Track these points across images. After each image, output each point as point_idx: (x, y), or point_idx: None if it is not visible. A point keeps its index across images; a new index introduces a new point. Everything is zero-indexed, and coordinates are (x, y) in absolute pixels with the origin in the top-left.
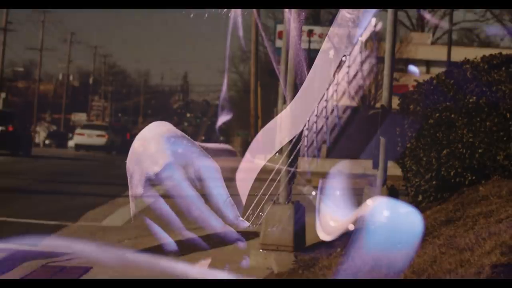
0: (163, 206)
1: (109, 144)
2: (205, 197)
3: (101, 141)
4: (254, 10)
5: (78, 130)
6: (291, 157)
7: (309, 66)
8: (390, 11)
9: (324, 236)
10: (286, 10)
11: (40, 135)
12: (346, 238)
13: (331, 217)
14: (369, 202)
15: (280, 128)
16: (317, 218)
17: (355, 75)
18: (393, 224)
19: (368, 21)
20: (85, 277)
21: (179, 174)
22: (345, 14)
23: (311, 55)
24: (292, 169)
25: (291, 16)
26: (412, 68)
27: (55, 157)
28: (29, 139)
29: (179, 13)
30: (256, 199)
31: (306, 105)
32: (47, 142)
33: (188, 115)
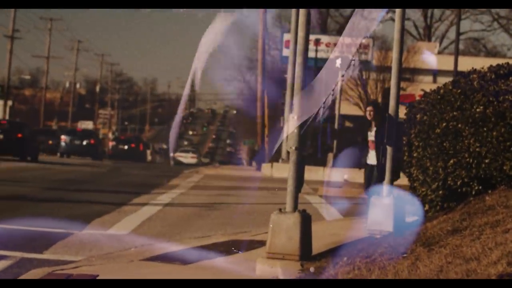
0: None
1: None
2: (213, 205)
3: None
4: (261, 20)
5: None
6: (298, 166)
7: (316, 75)
8: (397, 19)
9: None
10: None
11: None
12: (352, 248)
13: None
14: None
15: (287, 137)
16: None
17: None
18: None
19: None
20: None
21: None
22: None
23: (318, 64)
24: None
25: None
26: (429, 57)
27: (59, 163)
28: (36, 146)
29: (187, 22)
30: (262, 208)
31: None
32: None
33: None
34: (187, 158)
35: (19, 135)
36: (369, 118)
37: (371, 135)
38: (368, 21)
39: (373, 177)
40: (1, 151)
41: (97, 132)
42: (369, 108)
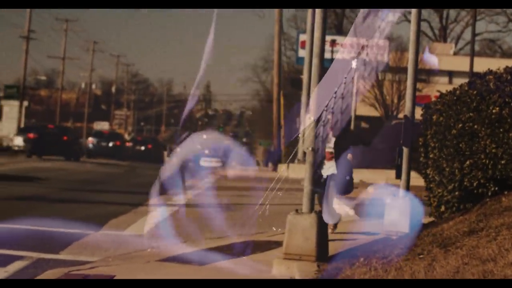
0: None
1: None
2: (229, 206)
3: None
4: (277, 21)
5: None
6: (314, 167)
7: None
8: (413, 20)
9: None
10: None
11: None
12: (368, 249)
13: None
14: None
15: (304, 138)
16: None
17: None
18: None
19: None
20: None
21: None
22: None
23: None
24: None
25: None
26: (429, 57)
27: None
28: (78, 148)
29: (203, 23)
30: (280, 208)
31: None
32: None
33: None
34: (212, 162)
35: (65, 138)
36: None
37: (329, 146)
38: (383, 22)
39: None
40: (49, 152)
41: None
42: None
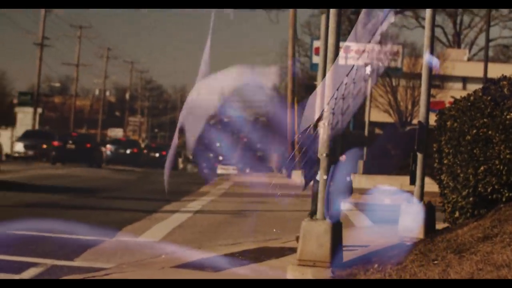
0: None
1: None
2: (243, 212)
3: None
4: (291, 27)
5: None
6: (329, 173)
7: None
8: (427, 26)
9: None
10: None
11: None
12: (383, 255)
13: None
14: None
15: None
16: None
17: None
18: None
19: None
20: None
21: None
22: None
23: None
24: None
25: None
26: (431, 60)
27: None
28: (100, 154)
29: (218, 30)
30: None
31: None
32: None
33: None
34: (229, 170)
35: (88, 145)
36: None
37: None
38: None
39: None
40: (73, 159)
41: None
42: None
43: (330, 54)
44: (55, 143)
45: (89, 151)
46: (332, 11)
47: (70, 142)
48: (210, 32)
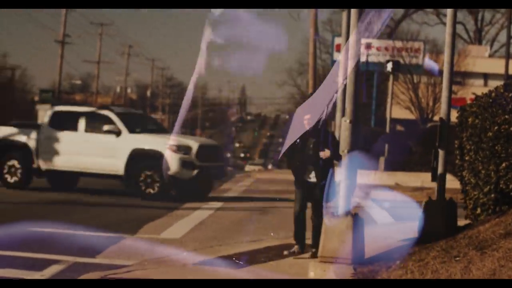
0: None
1: None
2: (264, 209)
3: None
4: (312, 24)
5: None
6: (350, 170)
7: (367, 79)
8: (448, 22)
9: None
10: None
11: None
12: (404, 252)
13: None
14: None
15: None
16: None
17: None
18: None
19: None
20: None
21: None
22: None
23: (369, 68)
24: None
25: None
26: (429, 63)
27: None
28: None
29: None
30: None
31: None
32: None
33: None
34: (254, 167)
35: None
36: (307, 127)
37: (310, 149)
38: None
39: (313, 196)
40: None
41: None
42: (307, 117)
43: (351, 51)
44: None
45: None
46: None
47: None
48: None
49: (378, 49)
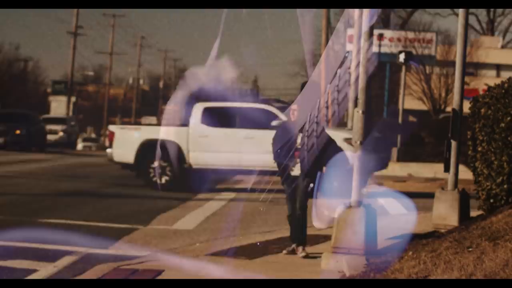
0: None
1: None
2: (278, 200)
3: None
4: (324, 15)
5: None
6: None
7: (379, 69)
8: (461, 13)
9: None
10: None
11: None
12: (417, 242)
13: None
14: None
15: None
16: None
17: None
18: None
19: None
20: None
21: None
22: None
23: (381, 59)
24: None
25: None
26: (412, 58)
27: None
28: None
29: (248, 16)
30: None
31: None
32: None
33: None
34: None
35: None
36: (293, 119)
37: (298, 142)
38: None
39: (299, 193)
40: None
41: None
42: (293, 107)
43: (363, 42)
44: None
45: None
46: None
47: None
48: (221, 31)
49: (390, 40)
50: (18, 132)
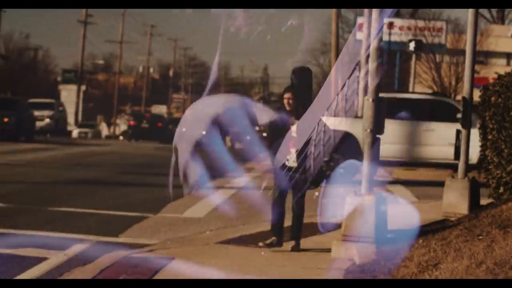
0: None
1: None
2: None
3: None
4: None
5: None
6: (373, 149)
7: (389, 58)
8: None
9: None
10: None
11: (120, 127)
12: (427, 230)
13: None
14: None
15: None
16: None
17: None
18: None
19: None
20: (167, 267)
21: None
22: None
23: (391, 47)
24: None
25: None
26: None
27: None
28: (169, 133)
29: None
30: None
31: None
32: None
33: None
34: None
35: (159, 125)
36: (288, 108)
37: (294, 131)
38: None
39: (295, 182)
40: (146, 137)
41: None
42: (287, 96)
43: (373, 31)
44: (131, 122)
45: (160, 129)
46: None
47: (144, 121)
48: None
49: (400, 28)
50: (6, 120)
